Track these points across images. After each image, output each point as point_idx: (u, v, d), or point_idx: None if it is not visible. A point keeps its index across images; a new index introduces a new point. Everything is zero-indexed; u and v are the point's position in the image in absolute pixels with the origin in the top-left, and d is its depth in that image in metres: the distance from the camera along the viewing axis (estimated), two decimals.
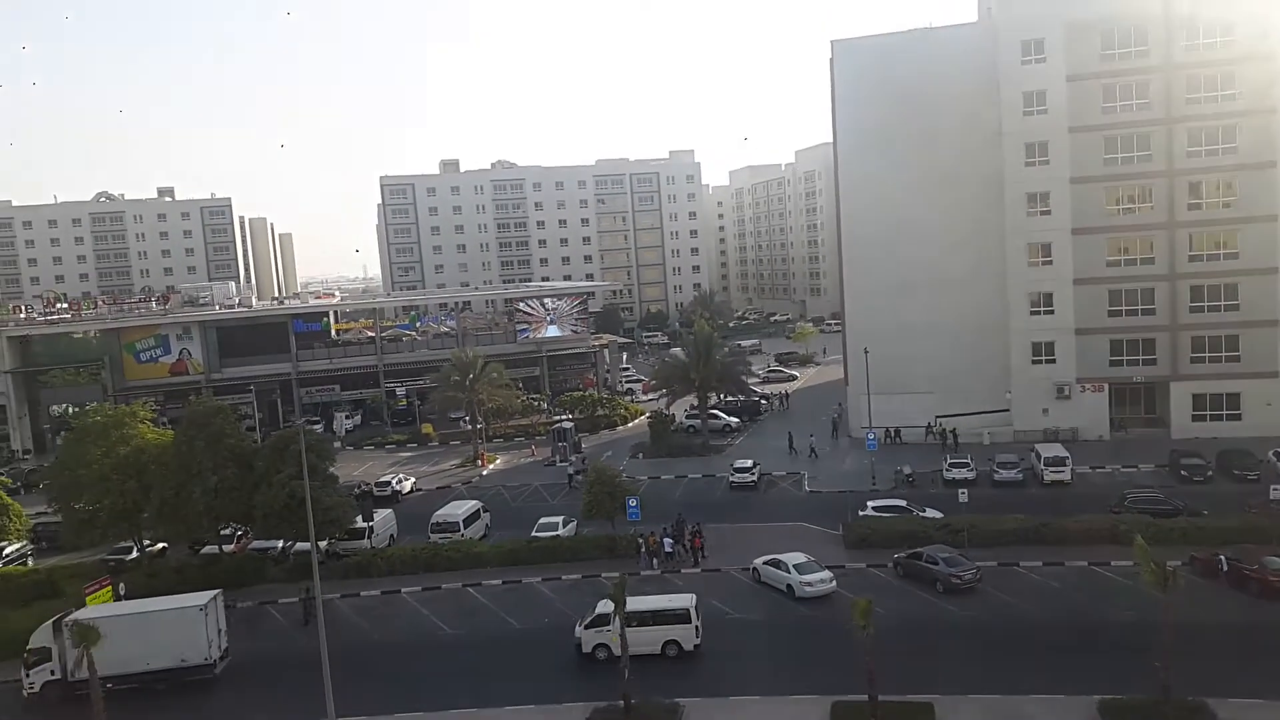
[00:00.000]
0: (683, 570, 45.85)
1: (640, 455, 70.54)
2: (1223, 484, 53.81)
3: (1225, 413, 63.93)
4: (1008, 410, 67.91)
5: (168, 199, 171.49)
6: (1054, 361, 66.58)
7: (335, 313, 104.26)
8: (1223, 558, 39.75)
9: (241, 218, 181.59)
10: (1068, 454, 57.78)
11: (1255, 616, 36.25)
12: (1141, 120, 63.90)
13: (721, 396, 76.20)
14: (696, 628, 36.00)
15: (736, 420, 78.65)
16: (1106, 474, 58.22)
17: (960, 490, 51.49)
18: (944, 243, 68.79)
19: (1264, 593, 37.58)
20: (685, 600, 37.27)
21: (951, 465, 58.37)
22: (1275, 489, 45.48)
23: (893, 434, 68.27)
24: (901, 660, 33.07)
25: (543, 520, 51.96)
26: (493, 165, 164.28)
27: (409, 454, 78.51)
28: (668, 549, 46.60)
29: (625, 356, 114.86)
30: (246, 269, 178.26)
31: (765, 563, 43.54)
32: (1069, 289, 65.75)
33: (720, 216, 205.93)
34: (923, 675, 32.59)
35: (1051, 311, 66.41)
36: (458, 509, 54.00)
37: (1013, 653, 34.69)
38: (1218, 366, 63.85)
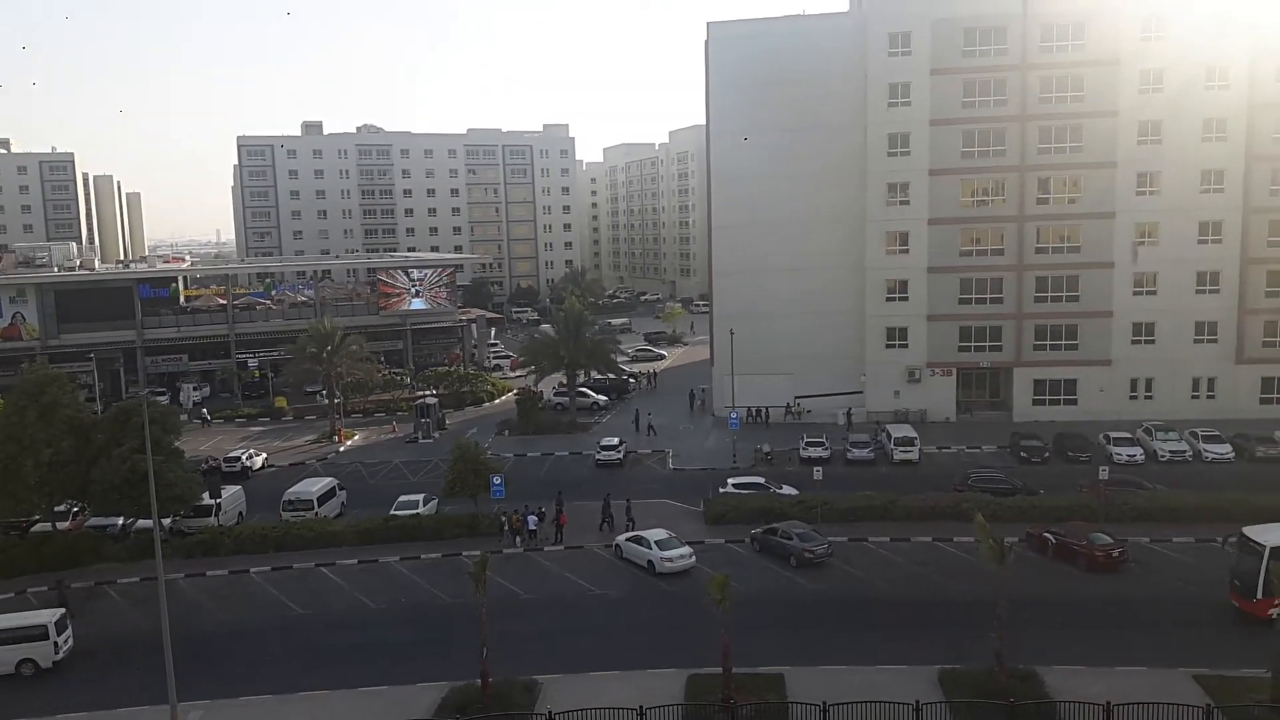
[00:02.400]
0: (546, 548, 45.74)
1: (507, 432, 69.97)
2: (1058, 465, 57.19)
3: (1063, 398, 67.97)
4: (862, 392, 70.30)
5: (2, 151, 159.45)
6: (906, 346, 69.25)
7: (185, 278, 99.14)
8: (1050, 534, 42.25)
9: (85, 174, 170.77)
10: (916, 435, 60.38)
11: (1081, 589, 38.66)
12: (998, 116, 66.84)
13: (590, 374, 76.28)
14: (55, 644, 34.60)
15: (605, 398, 78.94)
16: (952, 454, 61.07)
17: (816, 469, 53.17)
18: (809, 228, 70.47)
19: (1090, 566, 40.16)
20: (44, 617, 35.59)
21: (808, 444, 60.09)
22: (1104, 470, 48.53)
23: (755, 413, 69.68)
24: (756, 633, 33.92)
25: (402, 498, 50.90)
26: (358, 129, 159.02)
27: (261, 428, 75.61)
28: (531, 527, 46.37)
29: (494, 332, 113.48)
30: (89, 229, 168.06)
31: (627, 539, 43.92)
32: (923, 277, 68.40)
33: (594, 194, 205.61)
34: (776, 647, 33.48)
35: (906, 298, 68.97)
36: (311, 486, 52.37)
37: (860, 625, 36.05)
38: (1057, 354, 67.75)
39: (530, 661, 33.18)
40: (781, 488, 51.85)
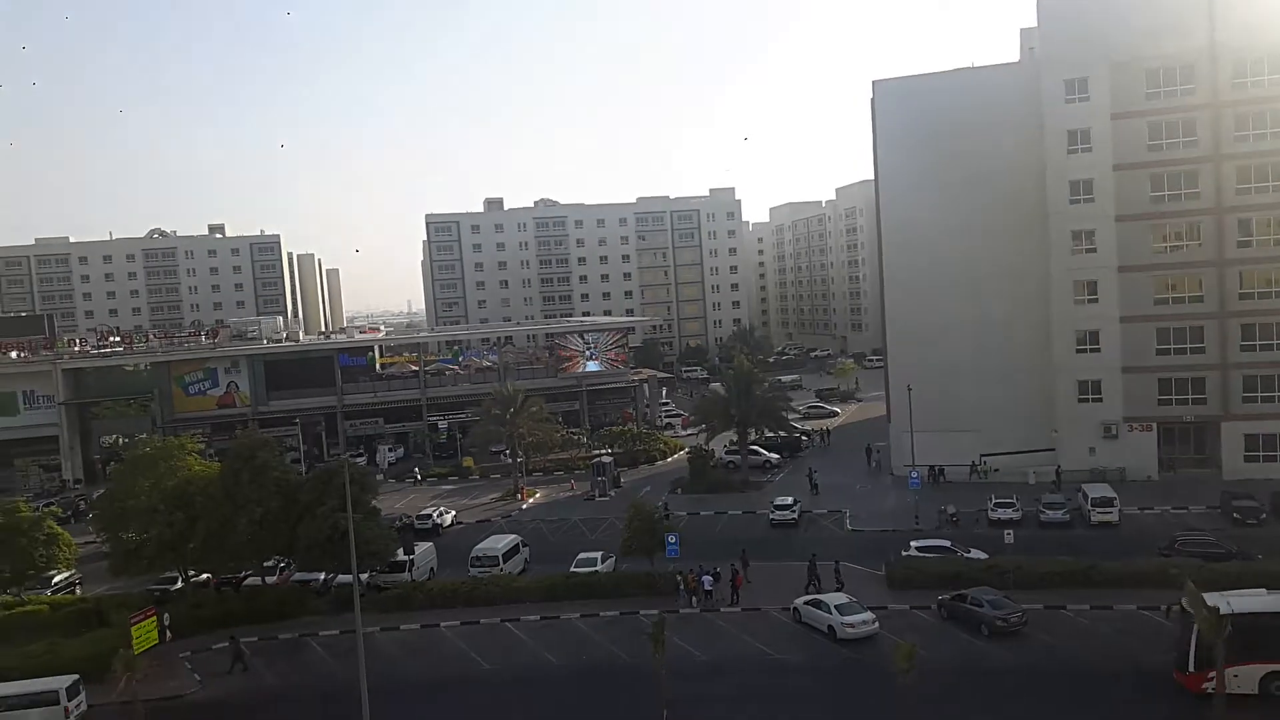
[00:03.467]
0: (722, 609, 45.49)
1: (679, 491, 70.31)
2: (1277, 526, 52.36)
3: (1279, 453, 62.38)
4: (1053, 449, 66.83)
5: (218, 235, 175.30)
6: (1100, 400, 65.53)
7: (380, 347, 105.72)
8: None
9: (289, 254, 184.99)
10: (1115, 494, 56.69)
11: None
12: (1188, 158, 63.20)
13: (761, 432, 75.88)
14: (66, 709, 35.39)
15: (777, 456, 78.17)
16: (1156, 515, 57.01)
17: (1006, 531, 50.75)
18: (988, 280, 68.33)
19: None
20: (56, 683, 36.36)
21: (997, 505, 57.48)
22: None
23: (936, 472, 67.38)
24: (946, 705, 32.53)
25: (581, 556, 51.87)
26: (535, 203, 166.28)
27: (450, 487, 78.95)
28: (707, 587, 46.26)
29: (664, 391, 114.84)
30: (294, 303, 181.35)
31: (806, 603, 43.06)
32: (1115, 326, 64.84)
33: (760, 253, 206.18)
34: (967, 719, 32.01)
35: (1098, 350, 65.48)
36: (497, 543, 54.10)
37: (1060, 698, 33.90)
38: (1271, 406, 62.40)
39: None
40: (969, 551, 49.71)
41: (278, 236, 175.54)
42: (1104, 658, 36.95)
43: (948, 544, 50.74)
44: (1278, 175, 61.79)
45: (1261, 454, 62.69)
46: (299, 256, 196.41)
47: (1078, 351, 65.94)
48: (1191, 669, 32.90)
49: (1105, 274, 64.83)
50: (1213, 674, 31.12)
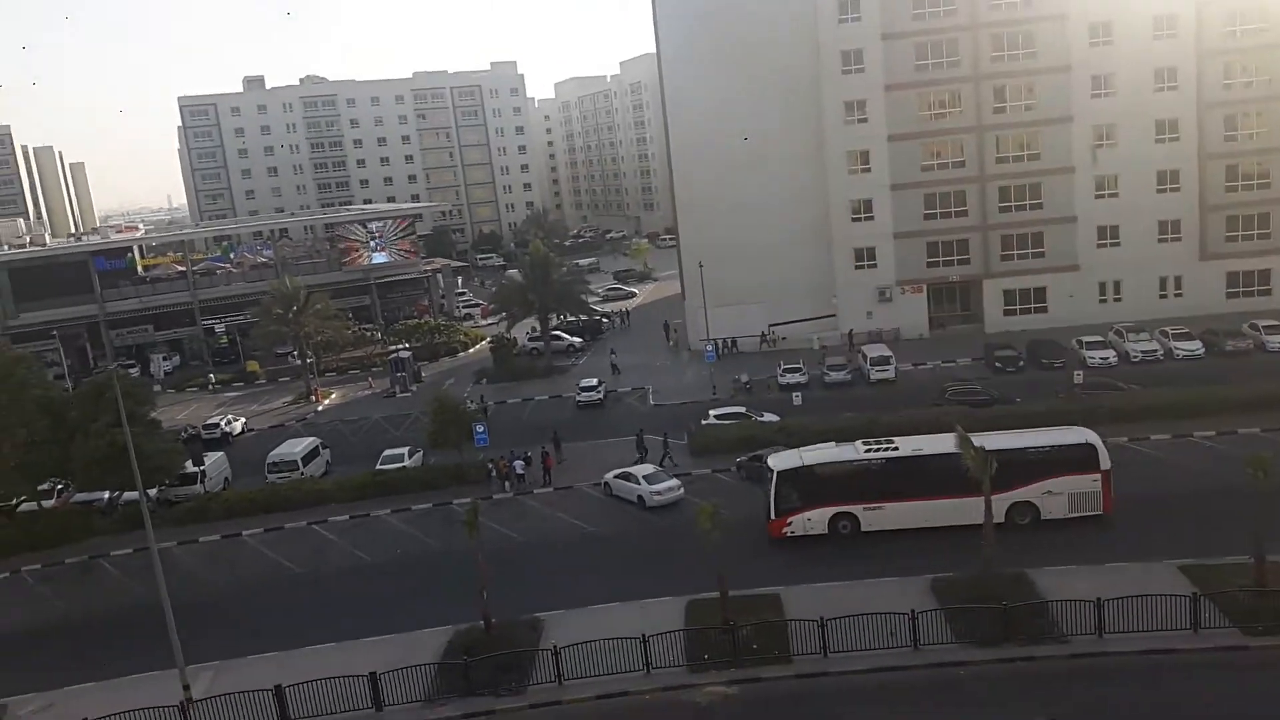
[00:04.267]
0: (535, 491, 46.11)
1: (484, 380, 69.87)
2: (1033, 372, 58.13)
3: (1034, 306, 68.85)
4: (835, 315, 70.73)
5: None
6: (875, 265, 69.59)
7: (140, 247, 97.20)
8: None
9: (25, 147, 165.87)
10: (891, 353, 61.07)
11: None
12: (949, 26, 66.43)
13: (562, 317, 76.08)
14: None
15: (579, 340, 78.80)
16: (928, 370, 61.89)
17: (794, 394, 53.65)
18: (769, 153, 69.90)
19: None
20: None
21: (785, 370, 60.58)
22: (1078, 374, 49.43)
23: (730, 344, 69.98)
24: (750, 558, 34.66)
25: (387, 453, 50.98)
26: (301, 81, 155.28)
27: (235, 394, 74.96)
28: (519, 471, 46.64)
29: (460, 280, 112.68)
30: (35, 203, 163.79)
31: (616, 476, 44.37)
32: (887, 194, 68.48)
33: (549, 131, 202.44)
34: (770, 570, 34.25)
35: (871, 218, 69.09)
36: (294, 447, 52.21)
37: (853, 544, 36.73)
38: (1025, 263, 68.43)
39: (531, 601, 33.68)
40: (763, 415, 52.37)
41: (8, 128, 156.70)
42: None
43: (743, 410, 53.31)
44: (1028, 43, 66.10)
45: (1019, 307, 69.02)
46: (36, 150, 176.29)
47: (853, 220, 69.38)
48: (773, 516, 37.33)
49: (876, 143, 67.96)
50: (791, 519, 37.09)
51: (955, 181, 68.17)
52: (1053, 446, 36.86)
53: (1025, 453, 36.48)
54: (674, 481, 43.06)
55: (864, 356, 61.65)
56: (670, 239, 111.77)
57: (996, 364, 59.44)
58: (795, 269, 70.54)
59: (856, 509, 36.97)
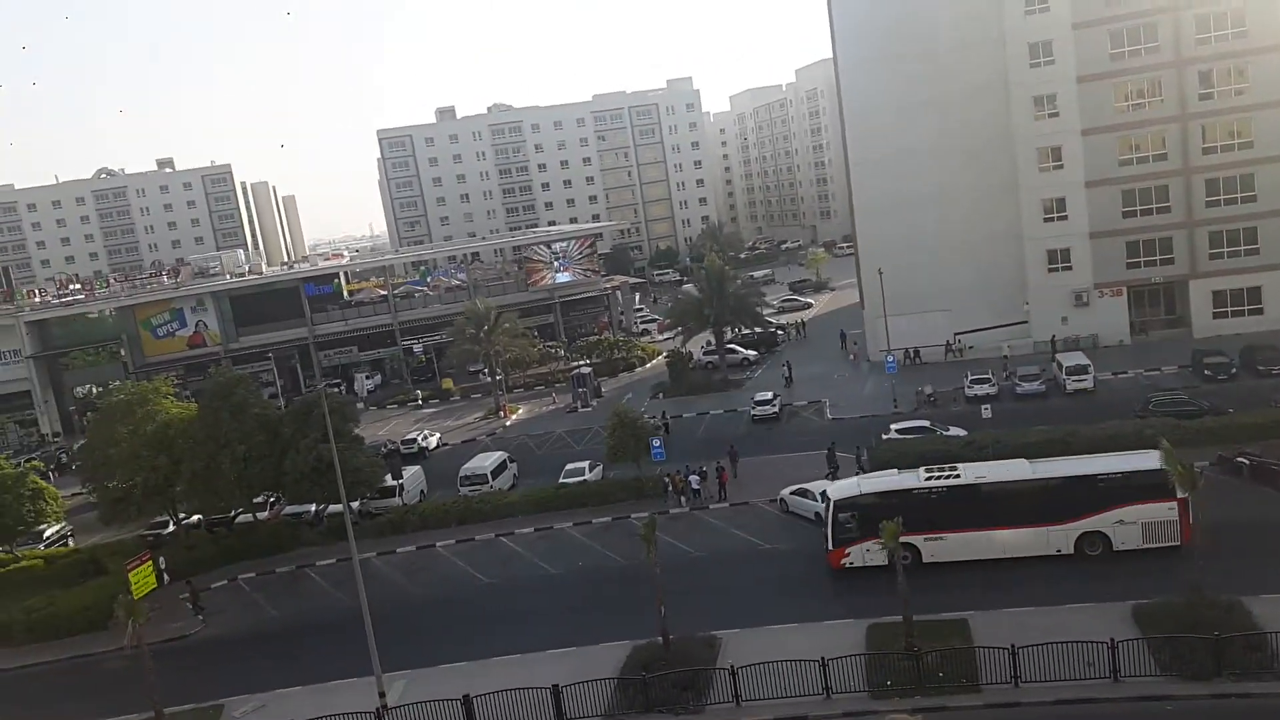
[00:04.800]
0: (711, 506, 46.23)
1: (661, 395, 70.71)
2: (1247, 380, 53.51)
3: (1247, 307, 63.22)
4: (1026, 322, 67.43)
5: (168, 170, 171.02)
6: (1070, 268, 65.88)
7: (345, 273, 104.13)
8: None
9: (243, 184, 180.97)
10: (1089, 361, 57.54)
11: None
12: (1148, 10, 62.18)
13: (737, 330, 76.01)
14: None
15: (754, 353, 78.57)
16: (1129, 379, 57.98)
17: (983, 406, 51.45)
18: (952, 155, 67.74)
19: None
20: None
21: (973, 381, 58.18)
22: None
23: (913, 354, 67.98)
24: (933, 579, 33.42)
25: (569, 466, 52.36)
26: (489, 109, 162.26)
27: (432, 410, 79.01)
28: (694, 486, 46.91)
29: (638, 296, 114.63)
30: (253, 235, 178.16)
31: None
32: (1081, 192, 64.75)
33: (724, 144, 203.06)
34: (956, 594, 32.92)
35: (1065, 217, 65.51)
36: (485, 461, 54.48)
37: (1045, 566, 34.82)
38: (1237, 260, 63.03)
39: (708, 617, 33.77)
40: (948, 429, 50.50)
41: (229, 166, 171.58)
42: None
43: (927, 424, 51.49)
44: (1237, 23, 61.01)
45: (1230, 309, 63.56)
46: (253, 185, 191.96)
47: (1045, 220, 65.96)
48: (830, 547, 36.29)
49: (1069, 138, 64.40)
50: (850, 550, 35.82)
51: (1156, 176, 63.64)
52: (1124, 473, 34.80)
53: (1094, 480, 34.90)
54: None
55: (1059, 365, 58.40)
56: (847, 247, 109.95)
57: (1206, 371, 54.97)
58: (981, 274, 67.83)
59: (917, 539, 35.06)
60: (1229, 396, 49.64)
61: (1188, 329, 64.33)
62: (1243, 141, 62.03)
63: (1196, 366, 56.31)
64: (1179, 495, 32.82)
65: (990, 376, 58.39)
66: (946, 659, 28.48)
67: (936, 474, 36.60)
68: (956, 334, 68.70)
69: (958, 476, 36.17)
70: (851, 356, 73.83)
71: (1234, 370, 54.51)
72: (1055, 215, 65.73)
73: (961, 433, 49.54)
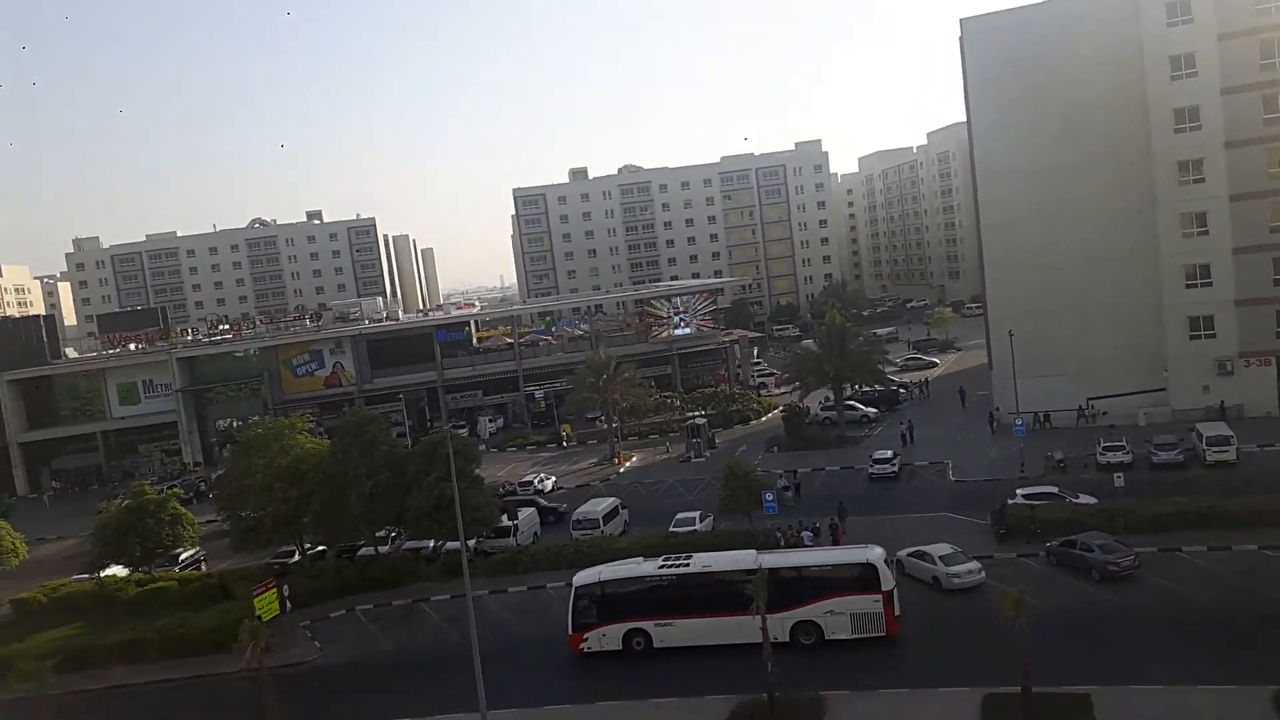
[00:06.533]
0: None
1: (775, 449, 70.09)
2: None
3: None
4: (1164, 390, 64.32)
5: (316, 222, 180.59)
6: (1214, 336, 62.66)
7: (476, 322, 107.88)
8: None
9: (385, 236, 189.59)
10: (1232, 432, 54.36)
11: None
12: None
13: (858, 386, 74.98)
14: None
15: (874, 410, 77.21)
16: (1276, 452, 54.47)
17: (1116, 474, 49.19)
18: (1089, 218, 65.73)
19: None
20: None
21: (1106, 448, 55.69)
22: None
23: (1042, 419, 65.62)
24: (1056, 652, 31.95)
25: (680, 516, 52.23)
26: (620, 170, 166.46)
27: (549, 454, 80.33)
28: (807, 542, 46.17)
29: (756, 351, 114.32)
30: (392, 284, 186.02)
31: (909, 554, 42.61)
32: (1228, 258, 61.70)
33: (850, 204, 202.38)
34: (1080, 667, 31.33)
35: (1210, 284, 62.49)
36: (597, 506, 54.95)
37: (1176, 643, 32.92)
38: None
39: (816, 677, 33.06)
40: (1078, 497, 48.38)
41: (373, 219, 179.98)
42: (1220, 600, 35.65)
43: (1055, 489, 49.46)
44: None
45: None
46: (394, 238, 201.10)
47: (1188, 286, 63.08)
48: (570, 631, 37.80)
49: (1215, 204, 61.63)
50: (588, 635, 37.65)
51: None
52: (833, 565, 36.86)
53: (806, 570, 37.00)
54: (974, 564, 40.70)
55: (1199, 435, 55.38)
56: (976, 308, 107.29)
57: None
58: (1116, 339, 65.26)
59: (648, 624, 37.26)
60: None
61: None
62: None
63: None
64: (884, 589, 35.49)
65: (1125, 443, 55.78)
66: None
67: (669, 563, 38.87)
68: (1090, 399, 66.00)
69: (687, 566, 38.20)
70: (993, 424, 68.55)
71: None
72: (1199, 281, 62.80)
73: (1092, 500, 47.40)
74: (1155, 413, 63.63)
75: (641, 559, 41.05)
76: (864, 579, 35.86)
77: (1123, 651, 32.75)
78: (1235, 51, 60.27)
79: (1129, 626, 34.76)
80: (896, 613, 35.86)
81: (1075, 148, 65.55)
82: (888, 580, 36.07)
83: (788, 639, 35.77)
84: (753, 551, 39.29)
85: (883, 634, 35.48)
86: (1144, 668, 30.97)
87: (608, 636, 37.60)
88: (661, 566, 38.81)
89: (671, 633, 37.28)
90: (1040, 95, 66.16)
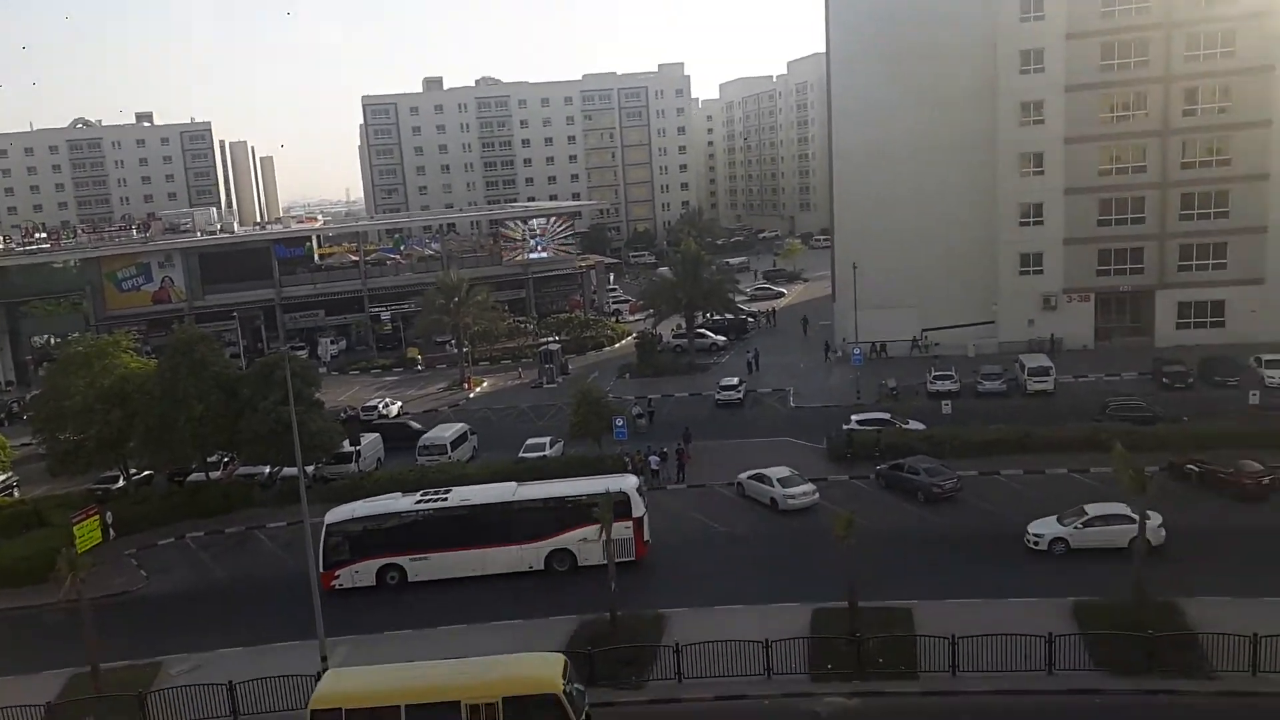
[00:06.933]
0: (669, 487, 46.23)
1: (628, 375, 70.58)
2: (1204, 390, 54.18)
3: (1209, 320, 64.16)
4: (993, 323, 67.87)
5: (146, 124, 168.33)
6: (1041, 272, 66.37)
7: (318, 237, 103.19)
8: (1195, 463, 40.18)
9: (222, 142, 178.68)
10: (1051, 364, 58.07)
11: (1228, 519, 36.83)
12: (1139, 25, 62.61)
13: (709, 315, 76.02)
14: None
15: (724, 339, 78.58)
16: (1090, 383, 58.52)
17: (944, 402, 51.76)
18: (935, 156, 67.97)
19: (1239, 494, 38.18)
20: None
21: (936, 377, 58.55)
22: (1254, 394, 45.72)
23: (878, 349, 68.26)
24: (882, 569, 33.57)
25: (530, 441, 52.10)
26: (477, 83, 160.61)
27: (395, 378, 78.46)
28: (654, 466, 46.88)
29: (612, 277, 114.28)
30: (228, 194, 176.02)
31: (749, 477, 43.92)
32: (1059, 199, 65.16)
33: (710, 131, 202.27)
34: (903, 583, 33.11)
35: (1041, 222, 65.92)
36: (445, 431, 54.12)
37: (991, 559, 35.24)
38: (1204, 274, 63.83)
39: (657, 596, 33.86)
40: (908, 423, 50.75)
41: (209, 124, 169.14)
42: (1032, 520, 38.10)
43: (887, 416, 51.78)
44: (1225, 43, 61.46)
45: (1193, 321, 64.47)
46: (231, 145, 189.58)
47: (1021, 224, 66.41)
48: (322, 569, 36.54)
49: (1052, 145, 64.80)
50: (339, 572, 37.45)
51: (1134, 187, 64.21)
52: (588, 495, 37.05)
53: (561, 501, 37.97)
54: (809, 486, 42.30)
55: (1021, 366, 58.86)
56: (824, 240, 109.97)
57: (1164, 380, 55.62)
58: (953, 274, 68.25)
59: (403, 560, 37.45)
60: (1184, 405, 50.24)
61: (1150, 338, 65.05)
62: (1221, 159, 62.70)
63: (1155, 375, 57.00)
64: (634, 516, 36.97)
65: (953, 373, 58.78)
66: (888, 646, 28.71)
67: (428, 497, 39.07)
68: (924, 330, 69.03)
69: (445, 500, 38.60)
70: (830, 352, 70.90)
71: (1191, 380, 55.15)
72: (1031, 220, 66.10)
73: (921, 426, 49.87)
74: (984, 344, 67.14)
75: (400, 494, 40.92)
76: (617, 508, 36.37)
77: (942, 568, 34.84)
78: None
79: (949, 544, 36.95)
80: (646, 538, 37.53)
81: (926, 87, 67.29)
82: (638, 508, 37.44)
83: (543, 567, 37.29)
84: (513, 484, 40.44)
85: (632, 559, 36.73)
86: (960, 582, 33.01)
87: (360, 573, 37.57)
88: (419, 502, 38.88)
89: (427, 566, 37.50)
90: (899, 32, 67.39)
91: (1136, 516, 31.96)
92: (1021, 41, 64.30)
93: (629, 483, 38.44)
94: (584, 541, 36.80)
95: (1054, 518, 36.41)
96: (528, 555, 37.52)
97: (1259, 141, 61.71)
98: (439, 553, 37.45)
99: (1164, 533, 34.31)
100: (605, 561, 34.19)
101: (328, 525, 38.22)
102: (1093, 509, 35.87)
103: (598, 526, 33.33)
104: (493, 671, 26.27)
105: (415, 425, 58.79)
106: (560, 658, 26.85)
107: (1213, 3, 61.37)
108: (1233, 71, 61.57)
